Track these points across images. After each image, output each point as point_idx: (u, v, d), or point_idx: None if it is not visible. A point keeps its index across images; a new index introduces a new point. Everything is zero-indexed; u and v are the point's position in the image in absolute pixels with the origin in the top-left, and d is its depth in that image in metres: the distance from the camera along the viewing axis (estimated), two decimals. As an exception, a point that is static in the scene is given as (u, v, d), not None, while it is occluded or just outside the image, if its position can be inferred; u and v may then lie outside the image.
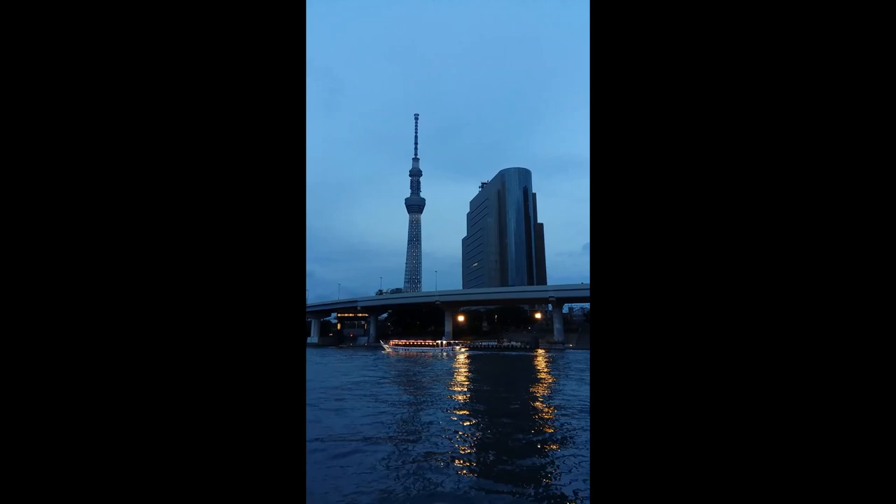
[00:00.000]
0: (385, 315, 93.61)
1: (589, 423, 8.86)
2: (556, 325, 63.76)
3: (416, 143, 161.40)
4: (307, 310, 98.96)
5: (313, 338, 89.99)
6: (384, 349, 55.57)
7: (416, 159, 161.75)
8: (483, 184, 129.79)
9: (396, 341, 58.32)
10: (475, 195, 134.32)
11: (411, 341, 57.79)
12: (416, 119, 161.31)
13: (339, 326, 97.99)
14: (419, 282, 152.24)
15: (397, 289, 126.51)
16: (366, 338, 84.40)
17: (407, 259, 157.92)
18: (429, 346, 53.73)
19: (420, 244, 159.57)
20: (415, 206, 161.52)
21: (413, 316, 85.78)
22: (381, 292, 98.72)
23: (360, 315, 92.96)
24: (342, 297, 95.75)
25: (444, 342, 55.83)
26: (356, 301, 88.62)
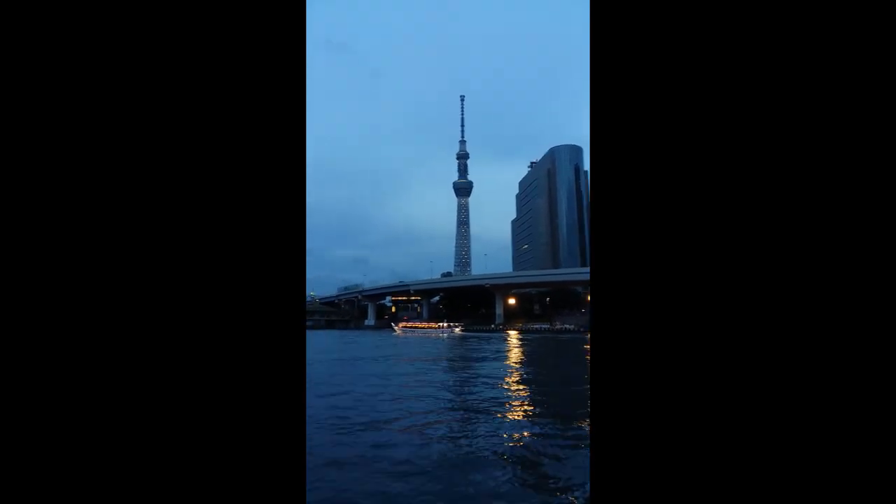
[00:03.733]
0: (437, 298, 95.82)
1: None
2: (611, 308, 61.39)
3: (462, 126, 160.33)
4: (363, 294, 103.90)
5: (370, 320, 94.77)
6: (395, 331, 66.95)
7: (462, 142, 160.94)
8: (532, 163, 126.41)
9: (405, 324, 71.91)
10: (524, 176, 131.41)
11: (416, 324, 71.70)
12: (462, 100, 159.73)
13: (393, 309, 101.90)
14: (469, 265, 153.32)
15: (447, 272, 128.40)
16: (418, 319, 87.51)
17: (456, 243, 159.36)
18: (432, 328, 65.49)
19: (468, 227, 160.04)
20: (462, 189, 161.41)
21: (464, 299, 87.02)
22: (448, 274, 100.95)
23: (413, 298, 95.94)
24: (395, 281, 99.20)
25: (445, 324, 66.03)
26: (408, 285, 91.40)
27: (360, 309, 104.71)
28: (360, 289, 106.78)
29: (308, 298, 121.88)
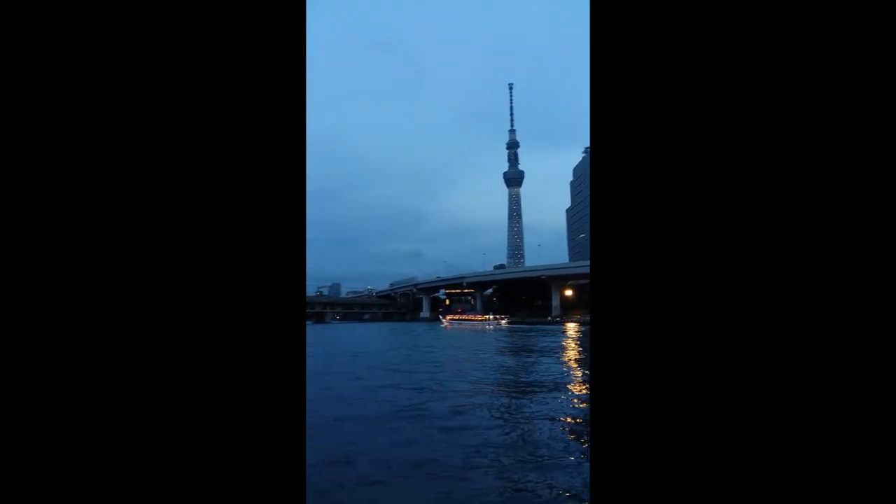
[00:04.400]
0: (490, 290, 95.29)
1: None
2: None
3: (511, 115, 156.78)
4: (418, 287, 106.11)
5: (425, 312, 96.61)
6: (442, 323, 68.39)
7: (512, 131, 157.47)
8: (587, 149, 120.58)
9: (452, 316, 72.85)
10: (578, 162, 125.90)
11: (463, 316, 72.48)
12: (511, 88, 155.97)
13: (447, 302, 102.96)
14: (522, 256, 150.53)
15: (500, 264, 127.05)
16: (472, 311, 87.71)
17: (508, 234, 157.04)
18: (478, 320, 66.52)
19: (521, 218, 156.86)
20: (513, 179, 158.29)
21: (518, 291, 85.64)
22: (500, 266, 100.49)
23: (467, 291, 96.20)
24: (448, 274, 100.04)
25: (491, 316, 66.67)
26: (462, 277, 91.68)
27: (414, 301, 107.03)
28: (415, 282, 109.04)
29: (365, 292, 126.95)
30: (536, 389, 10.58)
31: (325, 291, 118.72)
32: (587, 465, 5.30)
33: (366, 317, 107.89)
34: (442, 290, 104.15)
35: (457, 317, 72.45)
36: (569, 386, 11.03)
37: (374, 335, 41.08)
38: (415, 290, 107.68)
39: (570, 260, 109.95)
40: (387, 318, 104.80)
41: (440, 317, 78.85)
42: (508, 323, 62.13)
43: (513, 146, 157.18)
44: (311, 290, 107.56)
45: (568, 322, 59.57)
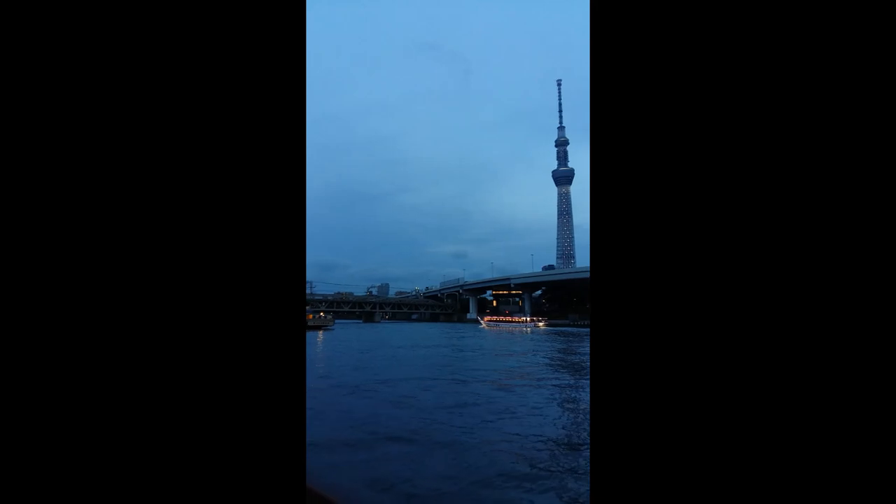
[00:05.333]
0: (539, 292, 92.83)
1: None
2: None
3: (560, 111, 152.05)
4: (464, 288, 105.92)
5: (472, 314, 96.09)
6: (480, 324, 69.33)
7: (561, 128, 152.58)
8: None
9: (489, 318, 73.57)
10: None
11: (500, 318, 72.99)
12: (559, 85, 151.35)
13: (494, 303, 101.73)
14: (572, 257, 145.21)
15: (549, 265, 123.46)
16: (521, 313, 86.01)
17: (558, 234, 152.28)
18: (515, 322, 66.34)
19: (571, 217, 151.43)
20: (563, 177, 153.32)
21: (569, 292, 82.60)
22: (549, 267, 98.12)
23: (514, 292, 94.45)
24: (495, 275, 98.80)
25: (528, 318, 66.91)
26: (509, 278, 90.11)
27: (461, 302, 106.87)
28: (461, 283, 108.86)
29: (412, 293, 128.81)
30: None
31: (375, 291, 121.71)
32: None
33: (413, 317, 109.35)
34: (489, 292, 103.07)
35: (495, 318, 73.82)
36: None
37: (419, 336, 41.35)
38: (461, 291, 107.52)
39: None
40: (433, 318, 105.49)
41: (478, 318, 79.85)
42: (546, 325, 61.55)
43: (562, 143, 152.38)
44: (361, 290, 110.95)
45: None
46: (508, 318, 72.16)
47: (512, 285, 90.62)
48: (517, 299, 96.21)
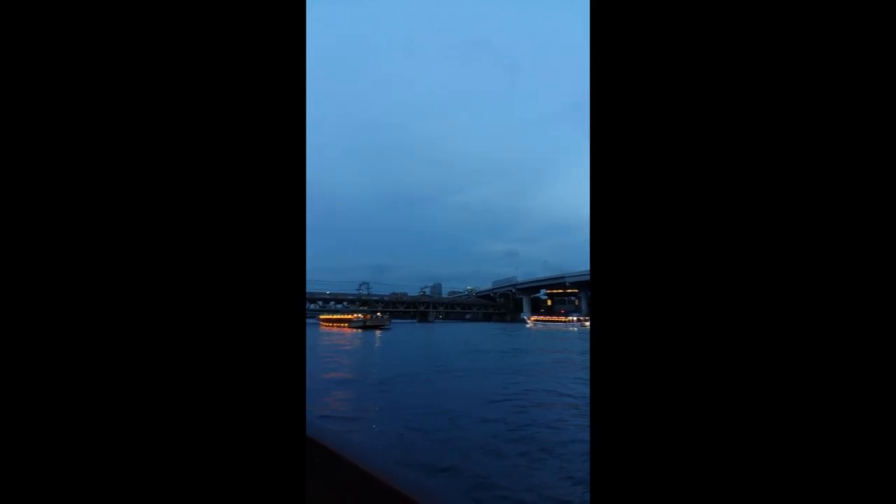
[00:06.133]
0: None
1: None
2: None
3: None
4: (517, 287, 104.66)
5: (526, 313, 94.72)
6: (527, 323, 72.37)
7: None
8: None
9: (536, 317, 76.28)
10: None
11: (547, 318, 74.79)
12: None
13: (549, 302, 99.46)
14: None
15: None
16: (576, 312, 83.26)
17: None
18: (561, 321, 67.85)
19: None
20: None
21: (628, 291, 78.52)
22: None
23: (570, 291, 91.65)
24: (548, 273, 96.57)
25: (575, 318, 68.04)
26: (563, 277, 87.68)
27: (515, 302, 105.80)
28: (514, 282, 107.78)
29: (465, 292, 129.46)
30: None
31: (427, 291, 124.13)
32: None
33: (467, 316, 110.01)
34: (543, 291, 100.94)
35: (542, 318, 75.00)
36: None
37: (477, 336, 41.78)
38: (514, 291, 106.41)
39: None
40: (486, 318, 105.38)
41: (524, 317, 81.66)
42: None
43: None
44: (414, 290, 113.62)
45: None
46: (554, 318, 72.46)
47: (567, 284, 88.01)
48: (573, 298, 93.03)
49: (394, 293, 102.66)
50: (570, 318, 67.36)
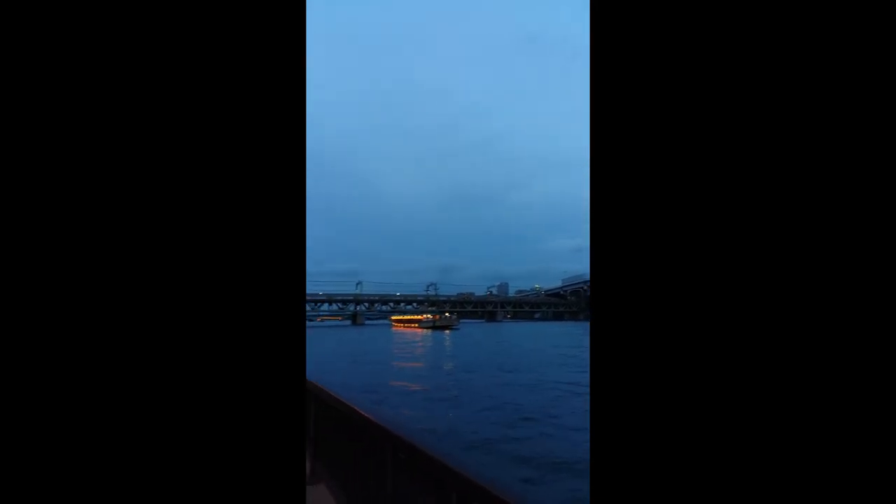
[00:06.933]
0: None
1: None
2: None
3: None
4: (589, 283, 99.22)
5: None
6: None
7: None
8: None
9: None
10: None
11: None
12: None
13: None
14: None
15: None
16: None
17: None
18: None
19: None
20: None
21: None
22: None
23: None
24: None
25: None
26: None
27: (587, 300, 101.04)
28: (586, 279, 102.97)
29: (532, 291, 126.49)
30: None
31: (494, 290, 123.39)
32: None
33: (536, 315, 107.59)
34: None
35: None
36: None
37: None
38: (585, 288, 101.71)
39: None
40: (557, 317, 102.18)
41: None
42: None
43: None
44: (481, 290, 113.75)
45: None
46: None
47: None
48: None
49: (461, 293, 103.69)
50: None
